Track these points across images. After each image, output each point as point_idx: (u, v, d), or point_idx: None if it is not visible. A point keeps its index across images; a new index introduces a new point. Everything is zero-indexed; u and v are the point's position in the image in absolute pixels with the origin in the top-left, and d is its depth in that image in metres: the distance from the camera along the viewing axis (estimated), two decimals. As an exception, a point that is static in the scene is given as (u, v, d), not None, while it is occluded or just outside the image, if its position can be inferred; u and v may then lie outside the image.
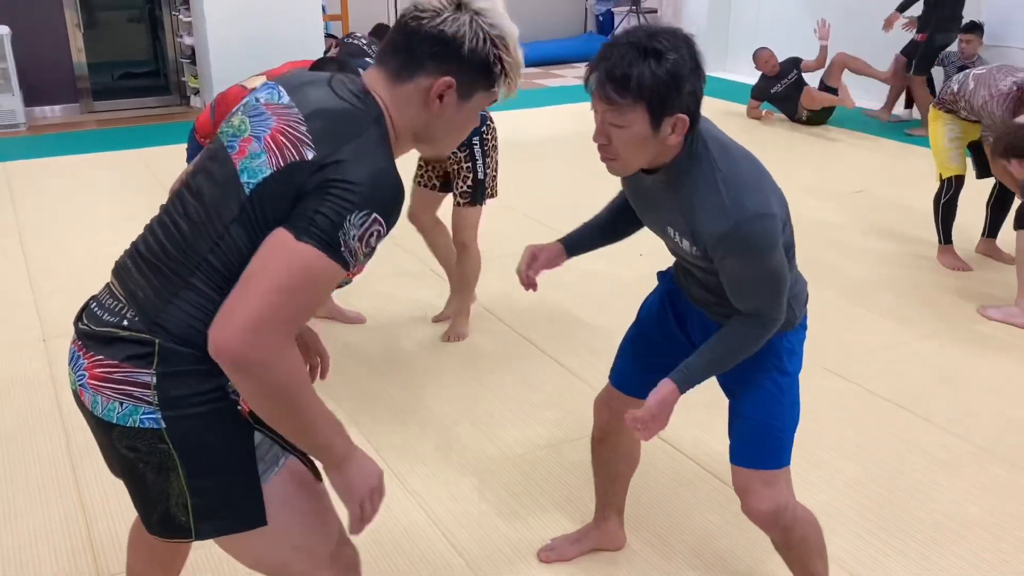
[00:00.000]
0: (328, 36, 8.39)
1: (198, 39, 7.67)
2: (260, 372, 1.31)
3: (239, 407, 1.45)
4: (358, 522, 1.51)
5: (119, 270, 1.50)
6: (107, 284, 1.51)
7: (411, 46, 1.44)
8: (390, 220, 1.39)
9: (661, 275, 2.15)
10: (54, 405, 3.14)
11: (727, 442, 2.00)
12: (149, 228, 1.49)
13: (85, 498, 2.63)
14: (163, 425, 1.40)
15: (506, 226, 4.74)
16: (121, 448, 1.44)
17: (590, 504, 2.43)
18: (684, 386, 1.83)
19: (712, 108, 8.03)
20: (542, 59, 10.57)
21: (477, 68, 1.45)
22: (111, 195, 5.66)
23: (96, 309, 1.48)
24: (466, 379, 3.36)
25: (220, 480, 1.46)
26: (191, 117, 7.81)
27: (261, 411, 1.38)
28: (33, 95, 7.81)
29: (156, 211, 1.50)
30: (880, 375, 3.36)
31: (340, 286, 1.50)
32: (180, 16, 8.16)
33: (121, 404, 1.40)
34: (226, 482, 1.46)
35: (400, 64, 1.46)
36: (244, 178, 1.38)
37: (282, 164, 1.37)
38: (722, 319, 1.89)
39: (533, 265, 2.03)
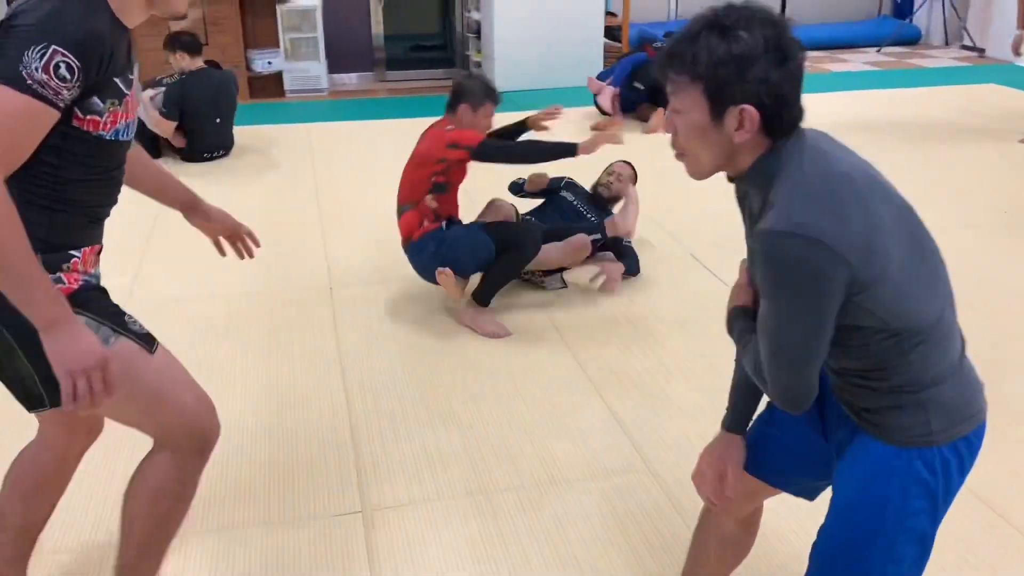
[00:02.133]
0: (608, 14, 8.46)
1: (485, 14, 7.99)
2: None
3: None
4: (68, 398, 1.49)
5: None
6: None
7: None
8: (79, 51, 1.45)
9: None
10: (335, 347, 3.44)
11: None
12: None
13: (355, 434, 2.86)
14: None
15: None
16: None
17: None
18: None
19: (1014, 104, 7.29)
20: (827, 42, 10.02)
21: None
22: (396, 160, 6.01)
23: None
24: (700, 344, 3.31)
25: None
26: (472, 89, 8.17)
27: None
28: (335, 63, 8.50)
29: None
30: None
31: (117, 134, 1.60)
32: (470, -8, 8.55)
33: None
34: None
35: None
36: None
37: None
38: (854, 415, 1.52)
39: (727, 486, 1.76)
